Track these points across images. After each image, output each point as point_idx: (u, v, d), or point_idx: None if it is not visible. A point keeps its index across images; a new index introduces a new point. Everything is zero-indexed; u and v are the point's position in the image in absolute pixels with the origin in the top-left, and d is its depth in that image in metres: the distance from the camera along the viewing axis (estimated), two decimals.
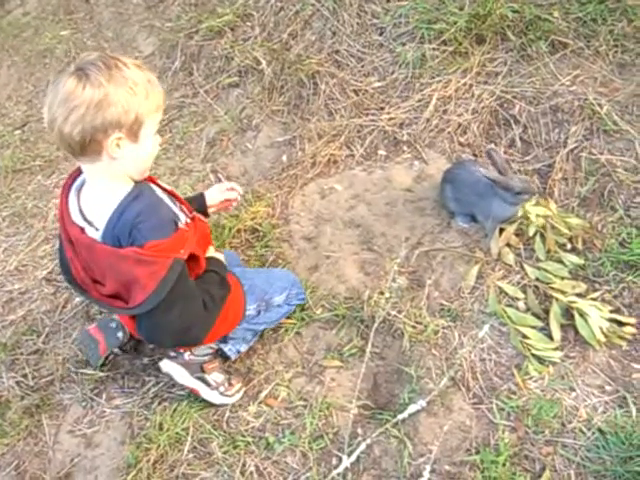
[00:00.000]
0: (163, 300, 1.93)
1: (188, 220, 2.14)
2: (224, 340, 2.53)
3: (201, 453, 2.40)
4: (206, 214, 2.62)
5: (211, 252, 2.35)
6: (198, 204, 2.55)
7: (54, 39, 4.71)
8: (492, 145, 2.83)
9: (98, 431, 2.57)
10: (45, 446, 2.56)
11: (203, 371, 2.47)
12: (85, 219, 1.99)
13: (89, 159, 1.89)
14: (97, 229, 1.97)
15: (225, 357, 2.59)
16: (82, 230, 1.99)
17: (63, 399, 2.69)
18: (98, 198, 1.98)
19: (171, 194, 2.18)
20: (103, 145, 1.83)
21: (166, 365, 2.45)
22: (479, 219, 2.83)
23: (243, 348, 2.60)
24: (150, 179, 2.13)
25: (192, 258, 2.08)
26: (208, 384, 2.48)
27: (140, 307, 1.97)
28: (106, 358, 2.69)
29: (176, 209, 2.09)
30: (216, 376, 2.50)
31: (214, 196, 2.65)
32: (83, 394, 2.67)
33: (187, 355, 2.45)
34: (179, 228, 1.98)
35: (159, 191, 2.09)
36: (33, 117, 4.19)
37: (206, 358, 2.50)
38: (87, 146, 1.82)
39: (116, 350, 2.71)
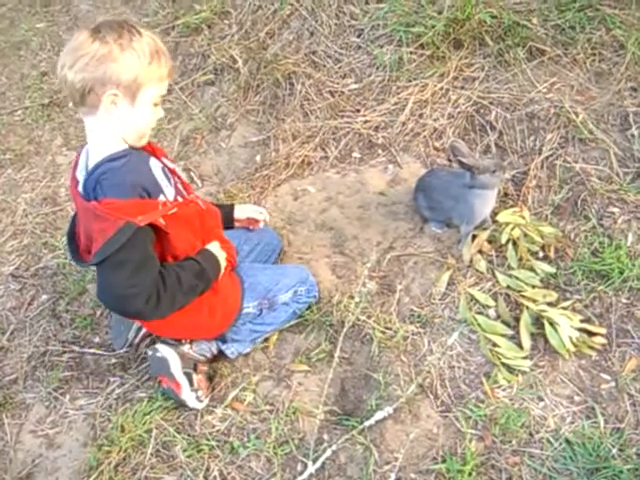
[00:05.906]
0: (110, 259, 1.93)
1: (180, 199, 2.15)
2: (224, 340, 2.53)
3: (164, 456, 2.37)
4: (231, 225, 2.69)
5: (211, 245, 2.32)
6: (225, 211, 2.63)
7: (30, 31, 4.64)
8: (458, 140, 2.81)
9: (60, 432, 2.53)
10: (6, 446, 2.53)
11: (195, 369, 2.46)
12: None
13: (87, 110, 1.98)
14: None
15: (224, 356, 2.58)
16: (77, 183, 2.09)
17: (26, 398, 2.65)
18: (92, 153, 2.05)
19: (171, 172, 2.21)
20: (100, 99, 1.92)
21: (164, 349, 2.42)
22: (456, 222, 2.81)
23: (246, 350, 2.59)
24: (154, 151, 2.20)
25: (163, 235, 2.07)
26: (192, 384, 2.44)
27: (89, 262, 2.05)
28: (133, 340, 2.68)
29: (166, 183, 2.11)
30: (201, 379, 2.48)
31: (242, 211, 2.74)
32: (47, 393, 2.64)
33: (187, 347, 2.46)
34: (151, 198, 2.01)
35: (156, 164, 2.11)
36: (5, 110, 4.12)
37: (202, 358, 2.50)
38: (86, 96, 1.92)
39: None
